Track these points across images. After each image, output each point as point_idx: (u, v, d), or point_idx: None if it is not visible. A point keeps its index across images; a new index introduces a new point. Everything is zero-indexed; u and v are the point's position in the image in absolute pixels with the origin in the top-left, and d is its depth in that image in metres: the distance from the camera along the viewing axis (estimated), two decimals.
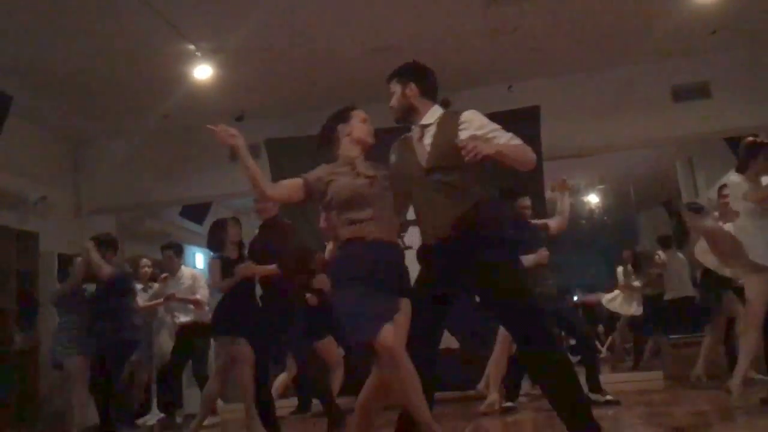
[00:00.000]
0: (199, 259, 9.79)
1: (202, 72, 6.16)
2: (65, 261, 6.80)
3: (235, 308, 4.56)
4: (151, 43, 5.82)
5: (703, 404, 4.63)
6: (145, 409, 6.80)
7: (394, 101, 3.10)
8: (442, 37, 6.13)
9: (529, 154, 2.90)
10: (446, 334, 6.08)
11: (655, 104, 6.90)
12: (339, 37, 6.04)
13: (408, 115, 3.08)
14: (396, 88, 3.10)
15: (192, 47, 5.89)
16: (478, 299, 2.97)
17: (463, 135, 2.82)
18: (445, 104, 7.76)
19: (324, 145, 3.23)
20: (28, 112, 6.76)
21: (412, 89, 3.06)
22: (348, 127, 3.18)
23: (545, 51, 6.56)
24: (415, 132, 3.06)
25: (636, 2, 5.80)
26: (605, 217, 12.78)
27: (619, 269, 9.10)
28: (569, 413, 2.66)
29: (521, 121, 6.44)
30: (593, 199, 12.27)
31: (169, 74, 6.28)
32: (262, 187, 2.90)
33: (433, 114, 3.03)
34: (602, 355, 11.35)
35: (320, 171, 3.07)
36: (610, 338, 11.34)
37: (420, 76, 3.11)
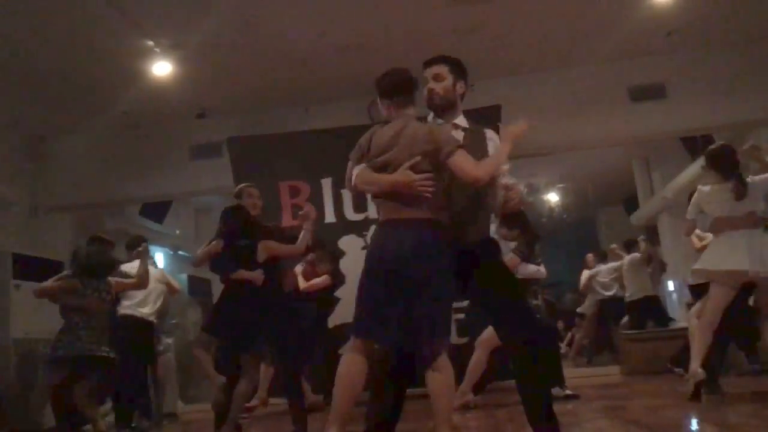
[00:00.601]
0: (159, 258, 9.65)
1: (162, 68, 6.08)
2: (20, 260, 6.66)
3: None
4: (110, 38, 5.72)
5: (658, 397, 4.74)
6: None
7: (439, 88, 3.03)
8: (405, 36, 6.15)
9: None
10: None
11: (613, 104, 7.04)
12: (302, 35, 6.01)
13: (448, 108, 3.03)
14: (447, 76, 3.06)
15: (151, 43, 5.81)
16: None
17: (490, 148, 2.95)
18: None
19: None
20: None
21: (462, 88, 3.08)
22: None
23: (506, 50, 6.64)
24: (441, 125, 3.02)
25: (594, 4, 5.91)
26: (565, 215, 12.97)
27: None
28: (537, 409, 2.72)
29: (483, 120, 6.48)
30: (553, 197, 12.44)
31: (128, 70, 6.18)
32: None
33: (462, 119, 3.07)
34: (562, 351, 11.53)
35: None
36: (569, 334, 11.52)
37: (467, 80, 3.13)
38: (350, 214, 6.58)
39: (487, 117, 6.51)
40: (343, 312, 6.28)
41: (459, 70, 3.10)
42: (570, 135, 7.14)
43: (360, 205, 6.56)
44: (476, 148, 2.89)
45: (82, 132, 7.65)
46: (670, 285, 9.71)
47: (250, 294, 4.27)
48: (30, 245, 6.51)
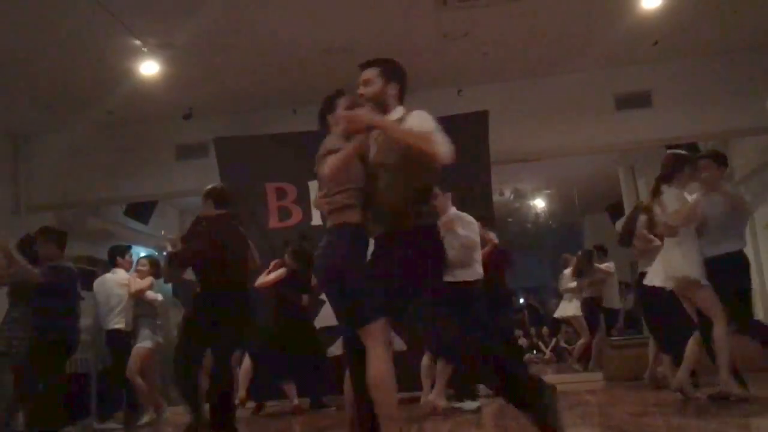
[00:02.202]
0: None
1: (149, 68, 6.05)
2: None
3: None
4: (97, 36, 5.68)
5: (640, 404, 4.76)
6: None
7: (369, 91, 3.03)
8: (394, 40, 6.15)
9: (436, 146, 2.82)
10: (394, 336, 6.15)
11: (599, 112, 7.08)
12: (290, 37, 6.01)
13: (379, 110, 3.03)
14: (376, 80, 3.05)
15: (138, 42, 5.78)
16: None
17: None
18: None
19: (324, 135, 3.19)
20: None
21: (395, 89, 3.08)
22: (334, 117, 3.17)
23: (495, 56, 6.67)
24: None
25: (581, 12, 5.95)
26: (551, 221, 13.03)
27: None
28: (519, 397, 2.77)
29: (470, 125, 6.55)
30: (539, 203, 12.49)
31: (115, 69, 6.14)
32: None
33: (397, 112, 3.05)
34: (546, 357, 11.58)
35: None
36: (554, 340, 11.58)
37: (403, 81, 3.14)
38: None
39: (474, 122, 6.56)
40: (328, 315, 6.27)
41: (391, 72, 3.10)
42: (556, 141, 7.17)
43: None
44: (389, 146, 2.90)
45: (67, 131, 7.58)
46: None
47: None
48: (11, 244, 6.42)
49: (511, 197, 11.42)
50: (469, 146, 6.45)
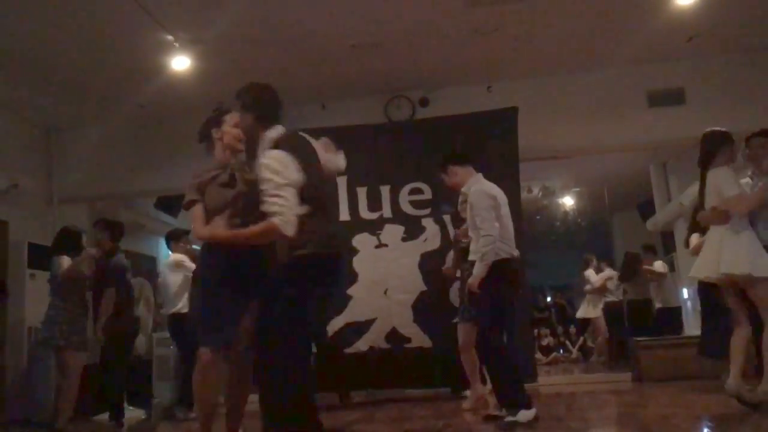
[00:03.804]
0: None
1: (180, 63, 6.09)
2: (36, 250, 6.72)
3: None
4: (129, 31, 5.74)
5: (669, 405, 4.70)
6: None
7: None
8: (424, 35, 6.14)
9: (280, 230, 2.83)
10: (420, 332, 6.16)
11: (631, 108, 6.98)
12: (319, 32, 6.01)
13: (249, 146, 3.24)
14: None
15: (170, 38, 5.83)
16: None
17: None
18: (423, 103, 7.82)
19: (206, 148, 3.37)
20: (2, 98, 6.63)
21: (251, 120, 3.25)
22: (219, 132, 3.28)
23: (525, 52, 6.61)
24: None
25: (614, 7, 5.86)
26: (579, 219, 12.90)
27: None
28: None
29: (499, 121, 6.51)
30: (568, 201, 12.39)
31: (147, 64, 6.21)
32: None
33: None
34: (573, 356, 11.49)
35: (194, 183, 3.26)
36: (581, 339, 11.47)
37: (262, 107, 3.29)
38: (364, 213, 6.57)
39: (503, 119, 6.51)
40: (355, 310, 6.29)
41: (249, 102, 3.25)
42: (586, 139, 7.08)
43: (374, 204, 6.56)
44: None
45: (99, 124, 7.70)
46: (685, 293, 9.63)
47: None
48: (46, 235, 6.55)
49: (540, 194, 11.33)
50: (498, 142, 6.43)
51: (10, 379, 6.49)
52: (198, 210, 3.11)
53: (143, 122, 7.58)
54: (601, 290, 9.42)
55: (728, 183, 4.01)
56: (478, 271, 3.96)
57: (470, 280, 4.03)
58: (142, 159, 7.64)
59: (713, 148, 4.24)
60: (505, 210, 4.22)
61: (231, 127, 3.22)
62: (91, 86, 6.80)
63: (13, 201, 6.97)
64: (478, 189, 4.17)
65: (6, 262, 6.71)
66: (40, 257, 6.40)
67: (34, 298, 6.44)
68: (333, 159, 3.41)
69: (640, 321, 8.13)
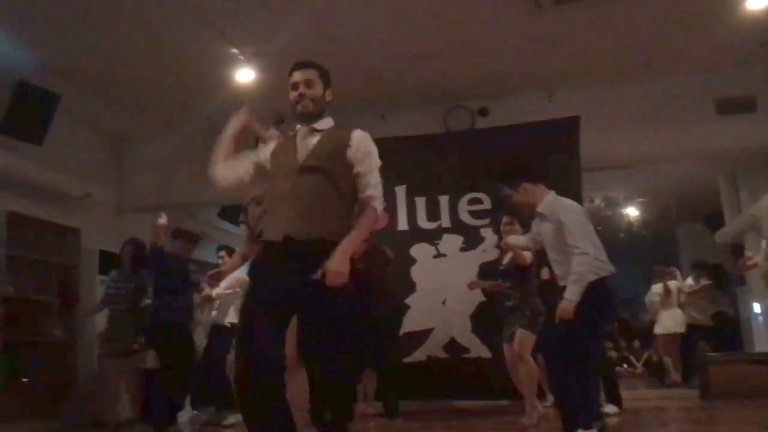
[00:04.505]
0: None
1: (244, 75, 6.25)
2: (107, 257, 6.97)
3: None
4: (196, 45, 5.92)
5: (737, 423, 4.52)
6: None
7: (312, 93, 3.02)
8: (483, 45, 6.12)
9: (373, 223, 2.82)
10: (479, 343, 6.11)
11: (698, 116, 6.77)
12: (379, 43, 6.07)
13: (318, 115, 3.02)
14: (317, 82, 3.07)
15: (235, 51, 5.99)
16: None
17: (349, 153, 2.85)
18: (483, 113, 7.77)
19: None
20: (75, 110, 6.94)
21: (330, 96, 3.08)
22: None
23: (587, 60, 6.51)
24: (301, 132, 3.02)
25: (680, 12, 5.72)
26: (644, 231, 12.59)
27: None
28: None
29: (561, 131, 6.42)
30: (632, 211, 12.10)
31: (213, 77, 6.38)
32: None
33: (325, 122, 3.03)
34: (637, 371, 11.18)
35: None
36: (646, 354, 11.16)
37: (331, 88, 3.14)
38: (423, 222, 6.58)
39: (565, 128, 6.42)
40: (413, 319, 6.29)
41: (328, 76, 3.13)
42: (651, 148, 6.91)
43: (433, 214, 6.56)
44: (326, 152, 2.85)
45: (167, 136, 7.95)
46: (756, 307, 9.26)
47: None
48: (116, 243, 6.80)
49: (602, 205, 11.10)
50: (560, 153, 6.32)
51: (81, 382, 6.74)
52: (243, 230, 3.42)
53: (209, 133, 7.70)
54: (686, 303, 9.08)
55: None
56: (573, 294, 3.61)
57: (563, 305, 3.63)
58: (207, 169, 7.83)
59: None
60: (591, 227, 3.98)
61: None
62: (160, 99, 7.04)
63: (86, 210, 7.27)
64: (569, 205, 3.93)
65: (78, 269, 6.99)
66: (110, 264, 6.63)
67: None
68: None
69: (724, 336, 7.86)
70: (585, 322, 3.62)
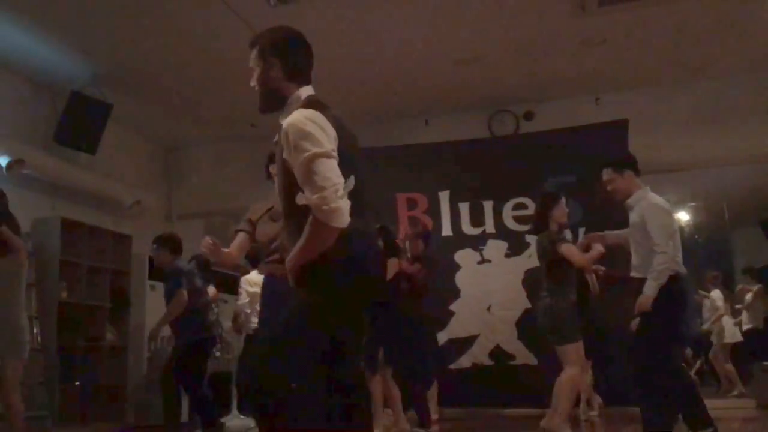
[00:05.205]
0: None
1: None
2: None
3: None
4: (243, 55, 5.98)
5: None
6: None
7: (255, 83, 2.47)
8: (527, 48, 6.06)
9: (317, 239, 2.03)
10: (525, 350, 6.03)
11: (751, 118, 6.56)
12: (423, 48, 6.05)
13: (277, 102, 2.42)
14: (258, 61, 2.44)
15: None
16: None
17: (285, 150, 2.15)
18: (528, 117, 7.67)
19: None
20: (126, 119, 7.12)
21: (283, 65, 2.38)
22: (274, 167, 2.71)
23: (635, 62, 6.38)
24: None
25: (733, 12, 5.56)
26: (696, 236, 12.27)
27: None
28: None
29: (608, 135, 6.30)
30: (683, 216, 11.81)
31: None
32: None
33: (289, 109, 2.30)
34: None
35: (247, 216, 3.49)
36: (698, 362, 10.84)
37: (286, 53, 2.42)
38: (467, 228, 6.54)
39: (613, 132, 6.30)
40: (458, 326, 6.25)
41: (273, 46, 2.38)
42: (703, 150, 6.73)
43: (477, 220, 6.51)
44: (278, 156, 2.25)
45: (213, 143, 8.09)
46: None
47: None
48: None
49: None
50: (607, 156, 6.18)
51: (132, 384, 6.88)
52: (237, 238, 3.32)
53: (254, 141, 7.88)
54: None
55: None
56: (651, 289, 3.73)
57: (641, 299, 3.76)
58: (253, 176, 7.93)
59: None
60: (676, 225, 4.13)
61: None
62: (207, 107, 7.17)
63: (137, 216, 7.44)
64: (656, 203, 4.01)
65: (129, 274, 7.14)
66: (159, 270, 6.75)
67: (154, 307, 6.80)
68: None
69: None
70: (663, 318, 3.72)
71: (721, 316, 8.54)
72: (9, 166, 5.79)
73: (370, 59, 6.23)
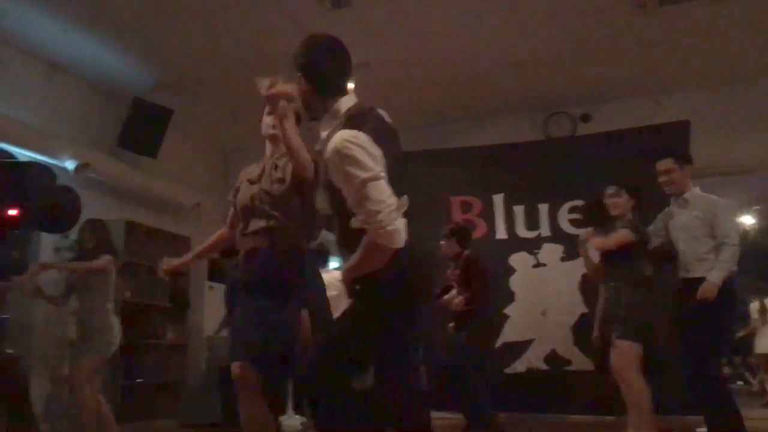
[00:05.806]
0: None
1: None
2: (214, 265, 7.27)
3: None
4: None
5: None
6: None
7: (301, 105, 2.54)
8: (584, 49, 5.96)
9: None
10: (581, 355, 5.93)
11: None
12: (477, 50, 6.02)
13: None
14: (301, 83, 2.51)
15: None
16: None
17: (333, 177, 2.17)
18: (585, 119, 7.56)
19: None
20: (186, 123, 7.30)
21: (314, 86, 2.49)
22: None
23: (697, 62, 6.21)
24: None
25: None
26: (761, 240, 11.87)
27: None
28: None
29: (669, 136, 6.15)
30: (747, 220, 11.44)
31: None
32: None
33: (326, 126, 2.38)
34: (754, 389, 10.54)
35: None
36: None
37: (319, 78, 2.49)
38: (522, 231, 6.48)
39: (674, 133, 6.14)
40: (512, 330, 6.20)
41: (306, 69, 2.47)
42: (767, 153, 6.50)
43: (532, 223, 6.45)
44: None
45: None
46: None
47: None
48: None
49: None
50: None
51: (191, 383, 7.05)
52: (230, 215, 3.12)
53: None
54: None
55: None
56: (718, 278, 3.81)
57: (707, 286, 3.80)
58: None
59: None
60: None
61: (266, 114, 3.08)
62: (262, 110, 7.28)
63: (196, 218, 7.62)
64: (723, 200, 4.16)
65: (188, 275, 7.32)
66: (217, 271, 6.91)
67: (212, 308, 6.97)
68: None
69: None
70: (719, 319, 3.83)
71: (755, 329, 8.34)
72: (77, 169, 6.01)
73: (424, 61, 6.24)
